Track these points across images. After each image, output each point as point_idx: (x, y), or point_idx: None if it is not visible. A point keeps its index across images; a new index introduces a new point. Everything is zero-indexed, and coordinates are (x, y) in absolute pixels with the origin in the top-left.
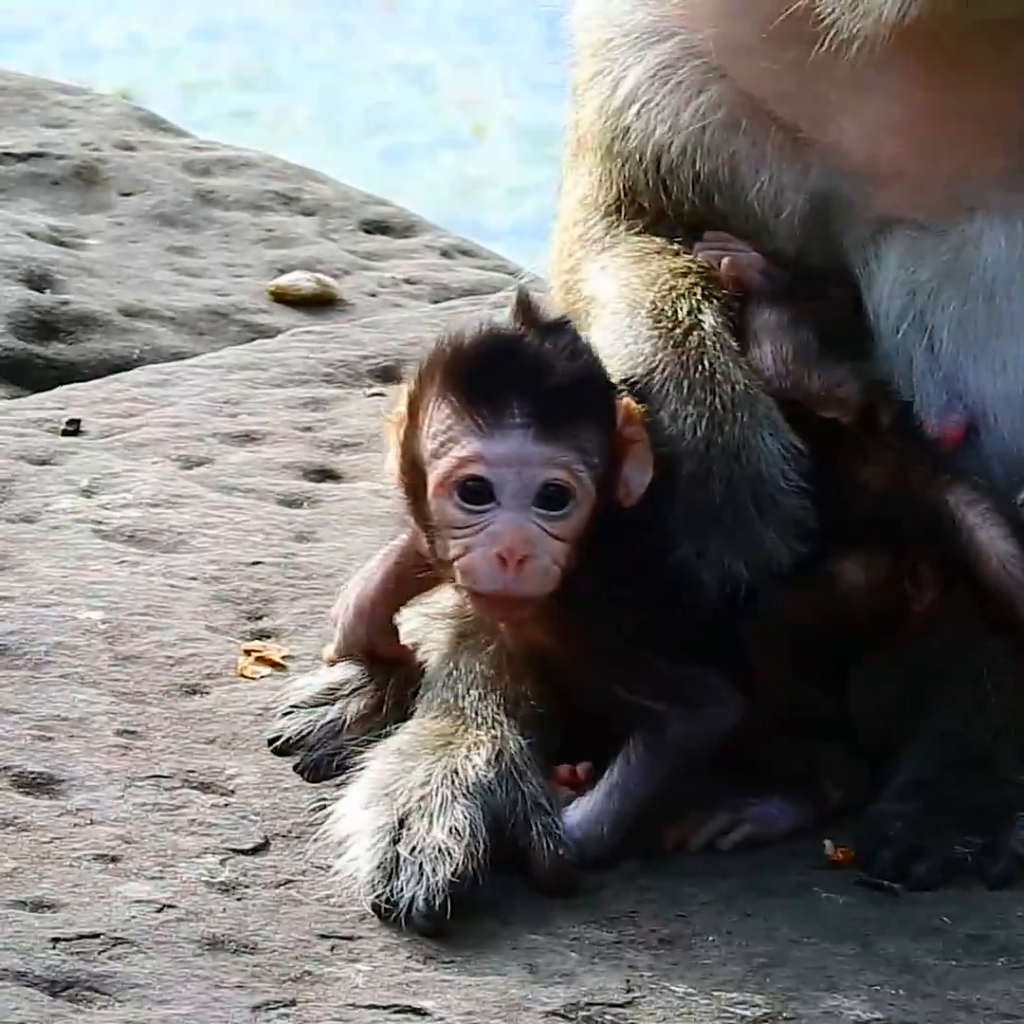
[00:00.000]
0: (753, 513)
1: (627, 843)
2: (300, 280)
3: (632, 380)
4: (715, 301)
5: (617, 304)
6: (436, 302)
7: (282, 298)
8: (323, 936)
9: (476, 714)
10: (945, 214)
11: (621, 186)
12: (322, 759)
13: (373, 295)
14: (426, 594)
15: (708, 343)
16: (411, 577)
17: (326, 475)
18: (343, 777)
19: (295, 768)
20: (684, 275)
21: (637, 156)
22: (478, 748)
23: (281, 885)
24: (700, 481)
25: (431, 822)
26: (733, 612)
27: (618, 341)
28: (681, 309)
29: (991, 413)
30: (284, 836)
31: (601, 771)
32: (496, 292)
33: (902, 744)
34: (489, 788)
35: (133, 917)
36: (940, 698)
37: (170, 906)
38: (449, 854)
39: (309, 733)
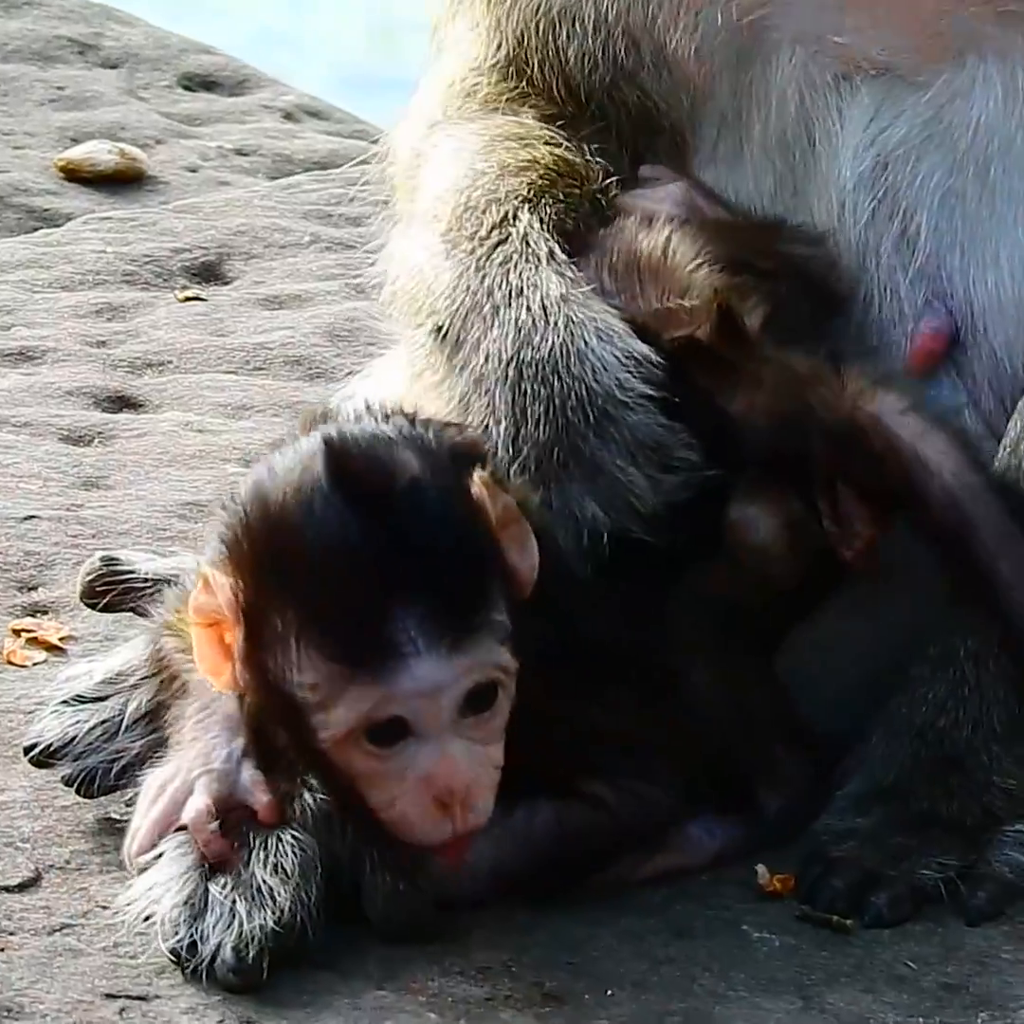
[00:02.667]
0: (589, 435)
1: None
2: (98, 152)
3: (439, 327)
4: (549, 203)
5: (421, 228)
6: (275, 178)
7: (74, 175)
8: (110, 996)
9: None
10: (927, 58)
11: (510, 41)
12: (97, 769)
13: (193, 170)
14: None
15: (516, 256)
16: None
17: (123, 403)
18: (131, 791)
19: (64, 781)
20: (518, 173)
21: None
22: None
23: (55, 931)
24: (517, 413)
25: (251, 855)
26: (642, 605)
27: (419, 279)
28: (488, 221)
29: (980, 319)
30: (60, 868)
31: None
32: (352, 163)
33: (854, 741)
34: (329, 814)
35: None
36: (903, 681)
37: None
38: (272, 898)
39: (77, 737)
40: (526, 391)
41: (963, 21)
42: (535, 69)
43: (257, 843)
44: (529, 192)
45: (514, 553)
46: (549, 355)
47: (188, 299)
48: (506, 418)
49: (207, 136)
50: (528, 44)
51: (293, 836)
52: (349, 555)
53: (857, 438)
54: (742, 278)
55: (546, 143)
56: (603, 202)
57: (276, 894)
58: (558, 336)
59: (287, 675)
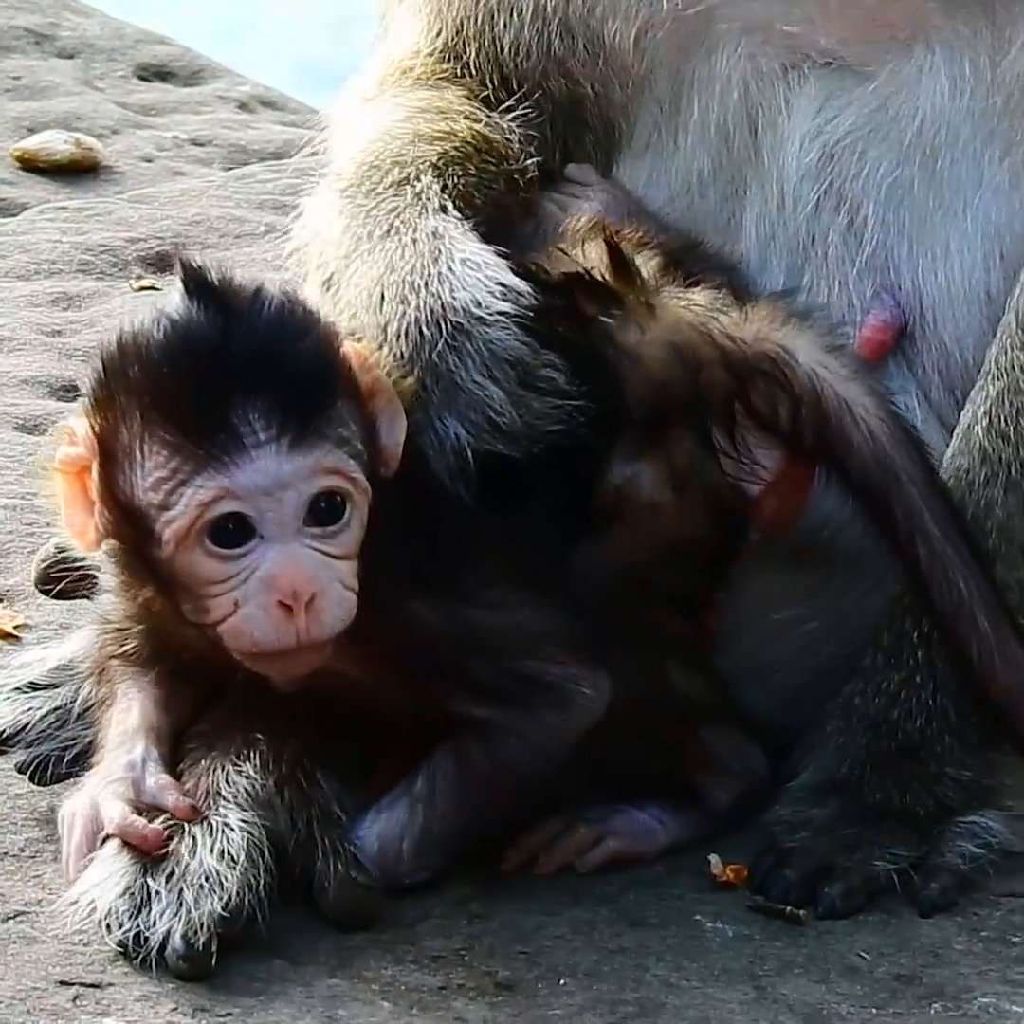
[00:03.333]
0: (444, 351)
1: (449, 862)
2: (54, 141)
3: (326, 278)
4: (457, 173)
5: (325, 187)
6: (230, 169)
7: (30, 165)
8: (63, 983)
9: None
10: (873, 47)
11: (449, 28)
12: (50, 756)
13: (148, 160)
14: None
15: (405, 206)
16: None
17: (79, 392)
18: (81, 778)
19: (18, 768)
20: (432, 142)
21: None
22: (254, 746)
23: (9, 918)
24: (378, 335)
25: (196, 843)
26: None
27: (314, 234)
28: (388, 179)
29: (929, 310)
30: (14, 856)
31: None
32: (306, 153)
33: (808, 731)
34: (270, 799)
35: None
36: (856, 671)
37: None
38: (219, 883)
39: (29, 724)
40: (386, 312)
41: (910, 10)
42: (471, 56)
43: (200, 830)
44: (438, 160)
45: (382, 425)
46: (409, 275)
47: (143, 289)
48: (368, 327)
49: (163, 126)
50: (466, 31)
51: (239, 820)
52: (191, 351)
53: (763, 370)
54: (637, 230)
55: (466, 118)
56: (520, 182)
57: (223, 879)
58: (421, 260)
59: (135, 484)
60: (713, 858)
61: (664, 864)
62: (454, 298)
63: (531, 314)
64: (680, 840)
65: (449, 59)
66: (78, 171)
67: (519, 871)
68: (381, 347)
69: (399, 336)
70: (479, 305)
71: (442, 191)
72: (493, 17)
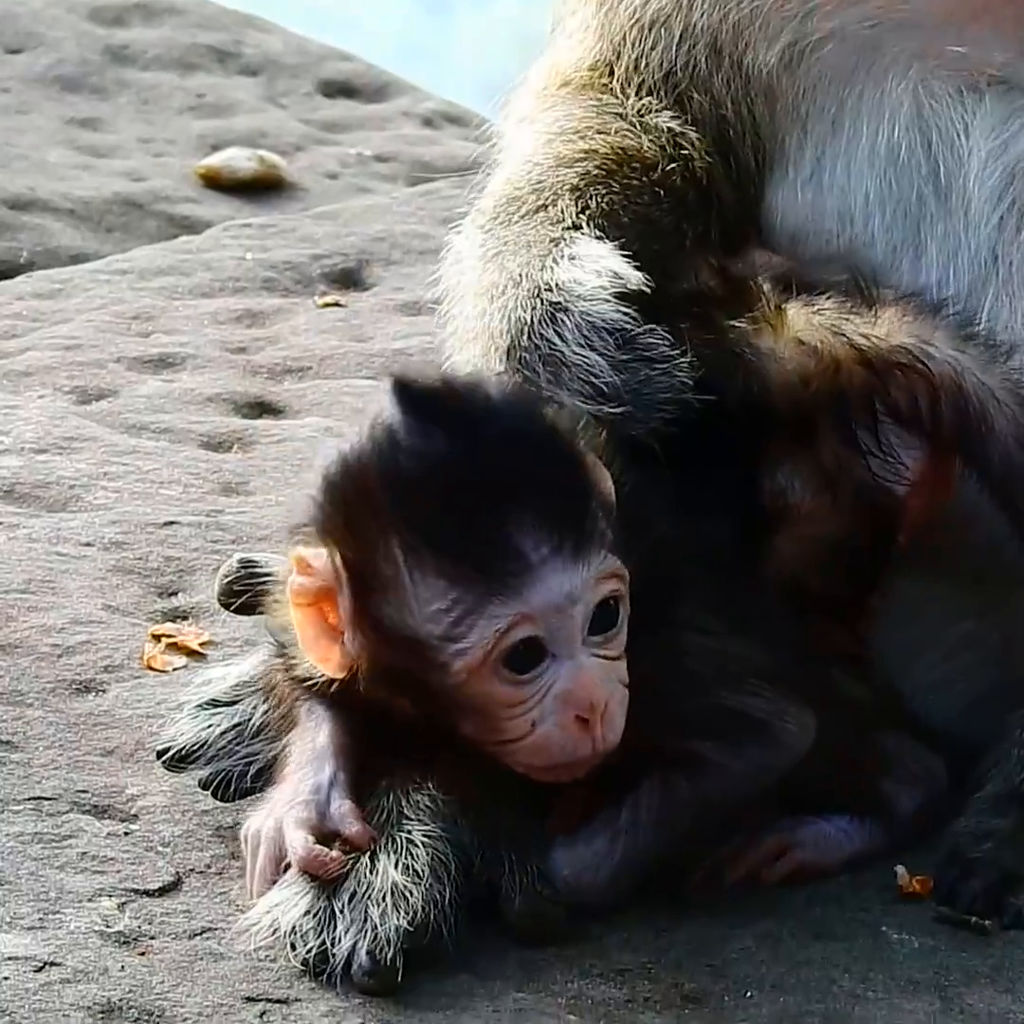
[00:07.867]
0: (544, 330)
1: (636, 887)
2: (237, 159)
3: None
4: (600, 193)
5: (469, 224)
6: (414, 185)
7: (214, 182)
8: (250, 999)
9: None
10: None
11: (607, 44)
12: (232, 772)
13: (332, 177)
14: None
15: (534, 228)
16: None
17: (263, 409)
18: (264, 793)
19: (201, 785)
20: (572, 164)
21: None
22: (436, 768)
23: (196, 935)
24: (482, 329)
25: (379, 860)
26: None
27: (454, 273)
28: (525, 208)
29: None
30: (201, 872)
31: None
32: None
33: (991, 743)
34: (455, 816)
35: (5, 978)
36: None
37: (54, 964)
38: (404, 898)
39: (208, 741)
40: (490, 310)
41: None
42: (621, 72)
43: (384, 846)
44: (578, 181)
45: (605, 492)
46: (516, 269)
47: (327, 305)
48: (478, 336)
49: (346, 143)
50: (622, 48)
51: (423, 835)
52: (442, 469)
53: (901, 363)
54: (741, 260)
55: (599, 132)
56: (663, 194)
57: (408, 894)
58: (531, 259)
59: (407, 617)
60: (900, 869)
61: (849, 876)
62: (553, 279)
63: (634, 294)
64: (865, 851)
65: (604, 76)
66: (262, 188)
67: (705, 885)
68: (485, 344)
69: (500, 329)
70: (578, 283)
71: (580, 212)
72: (644, 33)
